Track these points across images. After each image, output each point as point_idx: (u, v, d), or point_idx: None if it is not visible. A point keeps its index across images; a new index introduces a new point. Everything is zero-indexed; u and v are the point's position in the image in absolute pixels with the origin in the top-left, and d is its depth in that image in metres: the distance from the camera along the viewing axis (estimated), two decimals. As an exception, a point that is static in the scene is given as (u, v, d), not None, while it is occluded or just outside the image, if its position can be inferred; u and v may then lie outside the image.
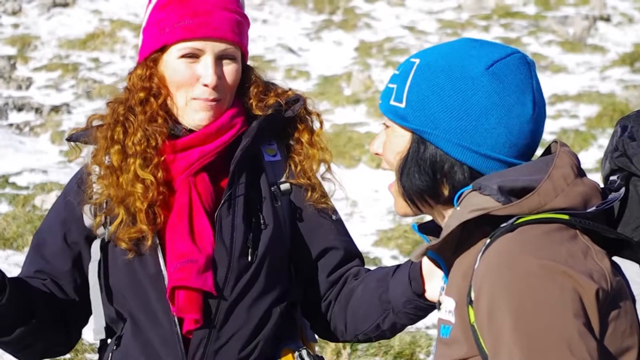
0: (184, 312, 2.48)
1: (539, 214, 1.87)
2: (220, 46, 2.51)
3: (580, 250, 1.84)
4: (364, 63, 13.13)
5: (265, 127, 2.60)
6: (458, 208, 1.94)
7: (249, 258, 2.52)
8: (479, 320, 1.84)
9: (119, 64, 13.06)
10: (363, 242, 7.87)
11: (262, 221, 2.56)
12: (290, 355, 2.59)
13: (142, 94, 2.53)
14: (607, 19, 14.04)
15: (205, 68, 2.50)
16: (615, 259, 1.94)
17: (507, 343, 1.77)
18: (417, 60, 2.02)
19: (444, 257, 2.00)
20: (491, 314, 1.80)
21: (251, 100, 2.61)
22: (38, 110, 11.44)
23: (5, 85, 12.24)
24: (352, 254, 2.69)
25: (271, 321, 2.57)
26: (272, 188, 2.59)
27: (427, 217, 2.11)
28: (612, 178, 2.01)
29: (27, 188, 8.83)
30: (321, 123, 2.69)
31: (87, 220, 2.59)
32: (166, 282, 2.49)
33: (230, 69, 2.54)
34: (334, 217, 2.67)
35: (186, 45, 2.50)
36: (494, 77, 1.95)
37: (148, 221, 2.49)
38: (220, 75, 2.51)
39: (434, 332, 5.62)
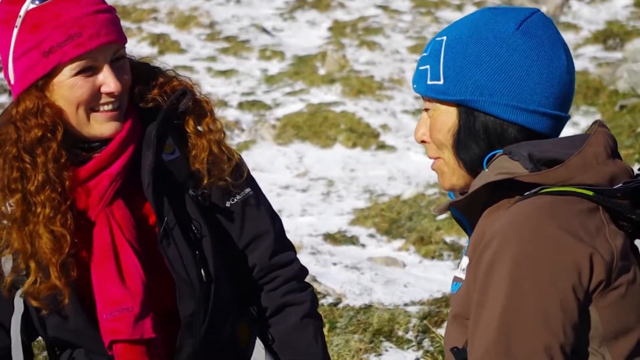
0: None
1: (564, 186, 1.90)
2: (111, 50, 2.34)
3: (594, 225, 1.87)
4: (338, 43, 13.12)
5: (163, 133, 2.43)
6: (487, 170, 1.98)
7: (205, 278, 2.39)
8: (479, 268, 1.88)
9: None
10: (340, 221, 7.90)
11: (198, 235, 2.41)
12: (247, 331, 2.56)
13: (38, 132, 2.29)
14: (579, -3, 14.08)
15: (105, 77, 2.32)
16: None
17: (497, 289, 1.83)
18: (444, 38, 2.05)
19: (471, 220, 2.03)
20: (493, 262, 1.84)
21: (137, 93, 2.43)
22: None
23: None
24: (265, 232, 2.55)
25: (231, 325, 2.52)
26: (190, 192, 2.43)
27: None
28: None
29: None
30: (211, 111, 2.50)
31: (6, 265, 2.41)
32: (99, 330, 2.35)
33: (124, 69, 2.39)
34: (239, 196, 2.51)
35: (81, 62, 2.30)
36: (526, 35, 2.00)
37: (63, 275, 2.31)
38: (120, 78, 2.35)
39: (412, 309, 5.66)
